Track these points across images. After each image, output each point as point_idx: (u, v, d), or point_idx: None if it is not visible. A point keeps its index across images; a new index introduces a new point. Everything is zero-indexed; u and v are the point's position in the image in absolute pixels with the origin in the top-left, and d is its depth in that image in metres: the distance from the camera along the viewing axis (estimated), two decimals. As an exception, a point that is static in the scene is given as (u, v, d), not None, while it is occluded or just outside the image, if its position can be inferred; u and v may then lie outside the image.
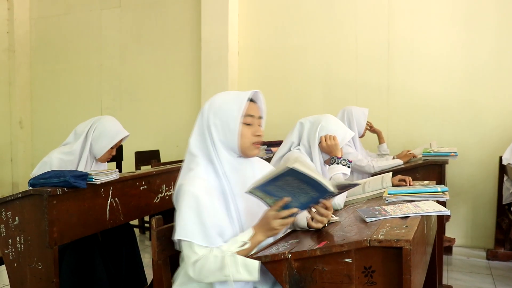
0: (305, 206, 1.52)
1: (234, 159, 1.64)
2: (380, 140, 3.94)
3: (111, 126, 2.69)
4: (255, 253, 1.46)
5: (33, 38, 6.18)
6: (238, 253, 1.47)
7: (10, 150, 6.07)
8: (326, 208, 1.55)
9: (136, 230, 4.68)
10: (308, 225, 1.62)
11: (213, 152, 1.60)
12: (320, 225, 1.58)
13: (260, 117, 1.69)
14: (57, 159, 2.54)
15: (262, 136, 1.68)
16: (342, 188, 1.54)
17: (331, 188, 1.44)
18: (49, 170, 2.47)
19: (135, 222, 4.61)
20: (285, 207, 1.49)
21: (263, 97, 1.71)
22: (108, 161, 2.83)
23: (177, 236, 1.50)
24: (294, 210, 1.49)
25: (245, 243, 1.49)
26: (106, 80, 5.75)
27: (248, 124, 1.63)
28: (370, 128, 3.91)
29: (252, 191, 1.48)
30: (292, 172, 1.39)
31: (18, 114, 6.06)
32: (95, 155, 2.67)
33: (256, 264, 1.41)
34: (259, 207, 1.57)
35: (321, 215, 1.56)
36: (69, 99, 5.95)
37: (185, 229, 1.49)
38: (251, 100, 1.66)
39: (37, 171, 2.50)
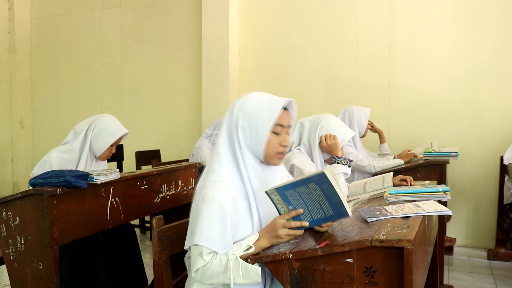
0: (316, 223, 1.49)
1: (258, 164, 1.61)
2: (381, 139, 3.93)
3: (111, 124, 2.69)
4: (256, 254, 1.46)
5: (34, 37, 6.18)
6: (242, 257, 1.46)
7: (10, 149, 6.07)
8: None
9: (137, 230, 4.68)
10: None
11: (239, 154, 1.57)
12: (324, 229, 1.56)
13: (289, 126, 1.67)
14: (57, 158, 2.54)
15: (289, 146, 1.66)
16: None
17: (349, 212, 1.41)
18: (49, 169, 2.49)
19: (135, 222, 4.61)
20: (296, 218, 1.48)
21: (296, 106, 1.68)
22: (108, 160, 2.83)
23: (196, 240, 1.46)
24: (305, 223, 1.47)
25: (249, 247, 1.48)
26: (107, 80, 5.75)
27: (276, 133, 1.60)
28: (372, 128, 3.90)
29: (272, 192, 1.47)
30: (321, 178, 1.37)
31: (18, 113, 6.06)
32: (95, 153, 2.68)
33: (257, 269, 1.41)
34: None
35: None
36: (69, 99, 5.95)
37: (206, 235, 1.46)
38: (284, 108, 1.63)
39: (37, 170, 2.52)
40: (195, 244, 1.47)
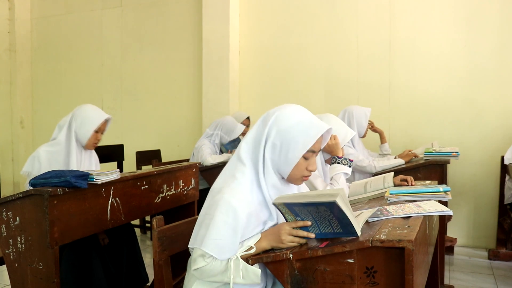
0: (323, 236, 1.45)
1: (278, 181, 1.57)
2: (382, 139, 3.93)
3: (91, 111, 2.73)
4: (257, 255, 1.46)
5: (34, 37, 6.19)
6: (242, 257, 1.44)
7: (11, 149, 6.08)
8: None
9: (137, 230, 4.67)
10: None
11: (261, 168, 1.53)
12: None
13: (320, 151, 1.64)
14: (44, 152, 2.59)
15: (315, 171, 1.62)
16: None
17: (358, 233, 1.38)
18: (37, 164, 2.55)
19: (136, 222, 4.60)
20: (303, 228, 1.45)
21: (330, 135, 1.65)
22: (109, 160, 2.84)
23: (204, 247, 1.44)
24: (312, 235, 1.43)
25: (250, 248, 1.46)
26: (107, 80, 5.75)
27: (306, 158, 1.55)
28: (372, 128, 3.90)
29: (279, 204, 1.43)
30: (332, 206, 1.33)
31: (19, 113, 6.06)
32: (81, 143, 2.70)
33: (257, 271, 1.40)
34: None
35: None
36: (70, 99, 5.94)
37: (215, 244, 1.43)
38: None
39: (27, 167, 2.57)
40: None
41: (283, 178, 1.60)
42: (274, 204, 1.45)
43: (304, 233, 1.43)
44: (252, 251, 1.46)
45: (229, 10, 4.83)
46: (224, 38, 4.85)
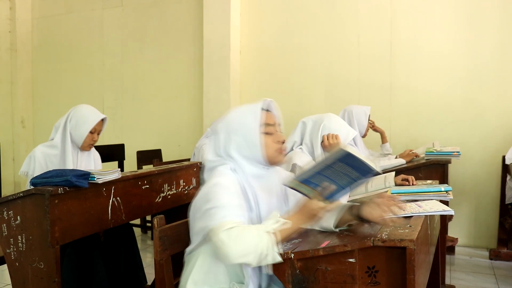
0: (345, 191, 1.50)
1: (260, 169, 1.64)
2: (383, 139, 3.92)
3: (86, 112, 2.69)
4: None
5: (35, 37, 6.19)
6: (277, 232, 1.40)
7: (12, 149, 6.08)
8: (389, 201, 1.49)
9: (138, 230, 4.67)
10: (359, 215, 1.51)
11: (236, 167, 1.61)
12: (379, 218, 1.45)
13: (278, 124, 1.69)
14: (40, 152, 2.58)
15: (284, 141, 1.67)
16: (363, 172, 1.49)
17: (375, 168, 1.43)
18: (33, 163, 2.54)
19: (137, 221, 4.60)
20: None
21: (276, 105, 1.72)
22: (109, 159, 2.82)
23: (221, 218, 1.41)
24: (333, 187, 1.45)
25: (285, 222, 1.43)
26: (108, 80, 5.75)
27: (268, 134, 1.62)
28: (373, 127, 3.89)
29: (292, 183, 1.47)
30: (345, 157, 1.39)
31: (20, 113, 6.06)
32: (77, 144, 2.66)
33: (278, 258, 1.37)
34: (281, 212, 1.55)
35: (384, 207, 1.46)
36: (71, 99, 5.94)
37: (231, 209, 1.44)
38: (266, 110, 1.67)
39: (24, 167, 2.56)
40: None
41: (265, 167, 1.65)
42: (286, 185, 1.50)
43: (335, 203, 1.48)
44: (288, 225, 1.43)
45: (230, 10, 4.83)
46: (225, 37, 4.85)
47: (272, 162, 1.64)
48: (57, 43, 6.05)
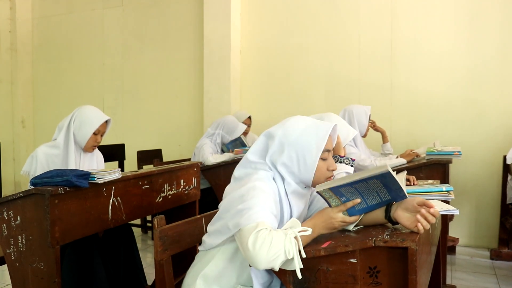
0: (370, 208, 1.46)
1: (300, 188, 1.60)
2: (384, 139, 3.91)
3: (90, 113, 2.65)
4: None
5: (35, 37, 6.19)
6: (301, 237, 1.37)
7: (12, 149, 6.08)
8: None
9: (139, 230, 4.67)
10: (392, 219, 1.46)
11: (278, 177, 1.57)
12: (417, 229, 1.38)
13: (333, 149, 1.65)
14: (42, 153, 2.55)
15: (335, 169, 1.62)
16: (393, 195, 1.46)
17: (406, 194, 1.41)
18: (35, 164, 2.51)
19: (137, 221, 4.60)
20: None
21: (337, 128, 1.67)
22: (110, 159, 2.81)
23: (251, 220, 1.38)
24: (358, 200, 1.42)
25: (306, 229, 1.39)
26: (108, 79, 5.75)
27: (324, 159, 1.56)
28: (373, 127, 3.88)
29: (324, 191, 1.43)
30: (383, 176, 1.35)
31: (20, 113, 6.06)
32: (80, 145, 2.64)
33: (302, 255, 1.34)
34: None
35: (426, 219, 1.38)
36: (71, 98, 5.94)
37: (264, 212, 1.41)
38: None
39: (26, 167, 2.54)
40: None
41: (306, 187, 1.62)
42: (317, 192, 1.45)
43: (356, 218, 1.45)
44: (308, 232, 1.38)
45: (230, 9, 4.83)
46: (225, 37, 4.85)
47: (314, 185, 1.57)
48: (58, 43, 6.05)
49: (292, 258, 1.31)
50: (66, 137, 2.60)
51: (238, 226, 1.40)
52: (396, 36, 4.41)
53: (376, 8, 4.48)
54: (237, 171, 1.64)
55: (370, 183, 1.38)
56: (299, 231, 1.36)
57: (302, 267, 1.33)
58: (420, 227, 1.35)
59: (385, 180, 1.36)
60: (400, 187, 1.38)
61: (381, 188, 1.40)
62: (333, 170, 1.59)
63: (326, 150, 1.56)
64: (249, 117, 4.53)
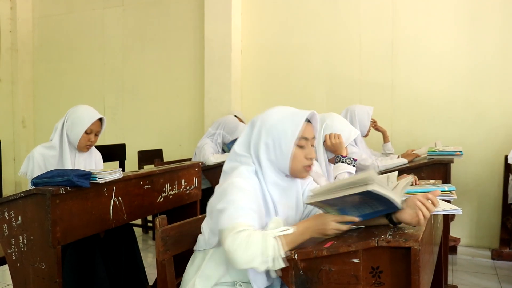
0: (367, 217, 1.42)
1: (280, 179, 1.58)
2: (385, 139, 3.91)
3: (82, 112, 2.62)
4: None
5: (36, 37, 6.18)
6: (282, 237, 1.36)
7: (13, 149, 6.07)
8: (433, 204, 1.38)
9: (139, 230, 4.66)
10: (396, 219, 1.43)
11: (259, 170, 1.55)
12: (417, 223, 1.37)
13: (313, 138, 1.64)
14: (38, 153, 2.54)
15: (314, 158, 1.61)
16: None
17: (400, 205, 1.35)
18: (32, 164, 2.50)
19: (138, 221, 4.59)
20: (343, 213, 1.41)
21: (318, 117, 1.67)
22: (110, 159, 2.80)
23: (230, 220, 1.38)
24: (356, 218, 1.39)
25: (287, 229, 1.39)
26: (109, 79, 5.74)
27: (301, 147, 1.55)
28: (374, 126, 3.88)
29: (313, 203, 1.41)
30: (367, 193, 1.30)
31: (20, 113, 6.06)
32: (73, 145, 2.61)
33: (282, 255, 1.34)
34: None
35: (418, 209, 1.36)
36: (71, 98, 5.93)
37: (244, 212, 1.41)
38: (307, 120, 1.60)
39: (23, 168, 2.53)
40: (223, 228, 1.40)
41: (287, 176, 1.60)
42: (307, 203, 1.43)
43: (348, 218, 1.40)
44: (290, 231, 1.38)
45: (231, 9, 4.82)
46: (226, 37, 4.84)
47: (294, 175, 1.59)
48: (58, 42, 6.05)
49: (277, 258, 1.32)
50: (61, 137, 2.59)
51: (219, 226, 1.43)
52: (397, 36, 4.40)
53: (377, 8, 4.47)
54: (226, 165, 1.64)
55: (359, 198, 1.34)
56: (282, 231, 1.37)
57: (284, 266, 1.34)
58: (421, 216, 1.34)
59: (370, 195, 1.31)
60: (390, 201, 1.33)
61: (372, 201, 1.36)
62: (311, 159, 1.58)
63: (303, 138, 1.56)
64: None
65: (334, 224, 1.40)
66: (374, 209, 1.39)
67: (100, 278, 2.42)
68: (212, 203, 1.57)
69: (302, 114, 1.57)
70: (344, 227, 1.41)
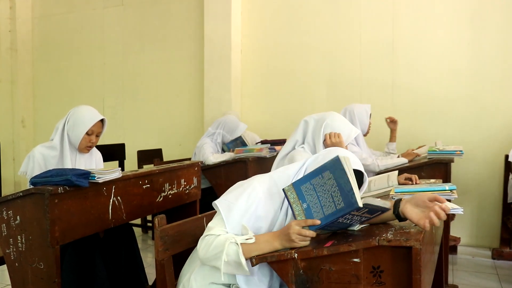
0: (327, 220, 1.40)
1: None
2: (392, 138, 3.84)
3: (84, 112, 2.61)
4: (261, 254, 1.43)
5: (36, 36, 6.17)
6: (244, 245, 1.43)
7: (12, 149, 6.06)
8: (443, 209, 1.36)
9: (139, 230, 4.65)
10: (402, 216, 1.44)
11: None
12: (423, 226, 1.35)
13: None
14: (39, 153, 2.52)
15: None
16: (372, 212, 1.41)
17: (359, 202, 1.33)
18: (32, 164, 2.49)
19: (137, 221, 4.58)
20: (309, 216, 1.43)
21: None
22: (110, 159, 2.79)
23: (218, 203, 1.54)
24: (317, 221, 1.40)
25: (250, 238, 1.44)
26: (109, 79, 5.73)
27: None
28: (391, 121, 3.81)
29: (289, 189, 1.46)
30: (335, 164, 1.37)
31: (20, 113, 6.04)
32: (74, 145, 2.60)
33: (245, 270, 1.42)
34: None
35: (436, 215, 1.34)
36: (71, 98, 5.92)
37: (229, 207, 1.51)
38: None
39: (23, 167, 2.52)
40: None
41: None
42: (283, 190, 1.47)
43: (312, 233, 1.40)
44: (251, 240, 1.44)
45: (231, 8, 4.81)
46: (226, 36, 4.83)
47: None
48: (58, 42, 6.04)
49: (240, 263, 1.41)
50: (61, 137, 2.57)
51: (219, 203, 1.55)
52: (397, 35, 4.39)
53: (378, 7, 4.46)
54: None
55: (326, 179, 1.39)
56: (246, 239, 1.44)
57: (248, 272, 1.43)
58: (427, 225, 1.33)
59: (335, 171, 1.37)
60: (351, 187, 1.34)
61: (335, 190, 1.37)
62: None
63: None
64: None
65: (296, 227, 1.40)
66: (336, 207, 1.38)
67: (100, 278, 2.41)
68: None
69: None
70: (308, 233, 1.40)
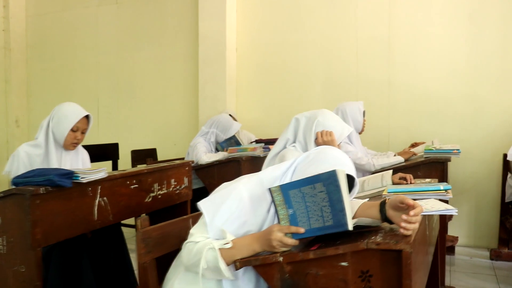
0: (312, 233, 1.34)
1: None
2: (414, 146, 3.73)
3: (68, 109, 2.60)
4: (245, 257, 1.37)
5: (29, 35, 6.11)
6: (224, 250, 1.39)
7: (6, 149, 6.00)
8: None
9: (132, 230, 4.58)
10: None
11: None
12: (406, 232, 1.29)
13: None
14: (23, 152, 2.49)
15: None
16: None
17: (349, 225, 1.26)
18: (16, 163, 2.47)
19: (131, 221, 4.51)
20: (294, 223, 1.36)
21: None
22: (104, 159, 2.74)
23: (202, 205, 1.48)
24: (301, 230, 1.33)
25: (227, 243, 1.40)
26: (103, 78, 5.68)
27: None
28: (415, 145, 3.72)
29: (275, 190, 1.39)
30: (330, 178, 1.28)
31: (14, 112, 5.98)
32: (59, 143, 2.56)
33: (222, 265, 1.37)
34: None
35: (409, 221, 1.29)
36: (65, 97, 5.84)
37: (213, 211, 1.46)
38: None
39: (8, 166, 2.52)
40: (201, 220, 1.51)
41: None
42: (269, 190, 1.42)
43: (293, 228, 1.35)
44: (228, 246, 1.39)
45: (226, 6, 4.76)
46: (221, 35, 4.78)
47: None
48: (52, 41, 5.98)
49: (219, 268, 1.38)
50: (46, 135, 2.54)
51: (202, 205, 1.51)
52: (393, 33, 4.34)
53: (374, 5, 4.41)
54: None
55: (317, 190, 1.31)
56: (224, 243, 1.40)
57: (231, 277, 1.40)
58: (406, 232, 1.28)
59: (329, 185, 1.28)
60: (343, 207, 1.26)
61: (326, 205, 1.30)
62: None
63: None
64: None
65: (278, 234, 1.34)
66: (325, 223, 1.31)
67: (88, 280, 2.35)
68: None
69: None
70: (289, 241, 1.34)
